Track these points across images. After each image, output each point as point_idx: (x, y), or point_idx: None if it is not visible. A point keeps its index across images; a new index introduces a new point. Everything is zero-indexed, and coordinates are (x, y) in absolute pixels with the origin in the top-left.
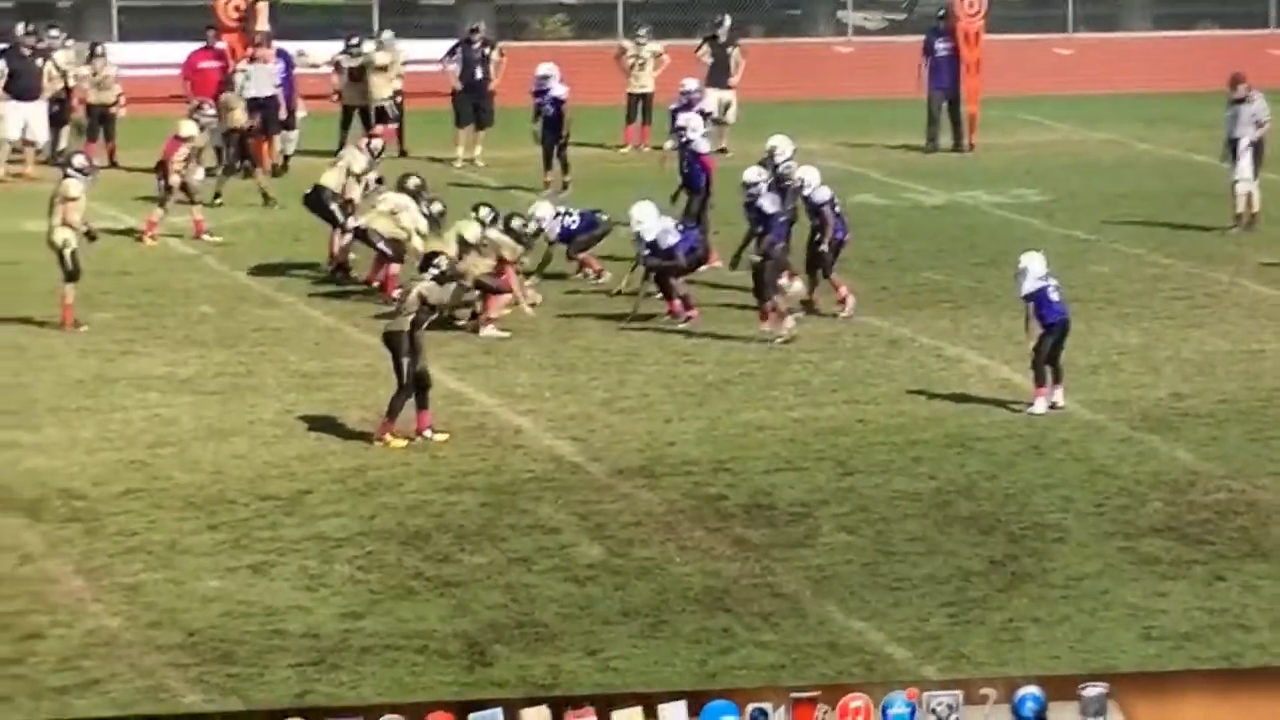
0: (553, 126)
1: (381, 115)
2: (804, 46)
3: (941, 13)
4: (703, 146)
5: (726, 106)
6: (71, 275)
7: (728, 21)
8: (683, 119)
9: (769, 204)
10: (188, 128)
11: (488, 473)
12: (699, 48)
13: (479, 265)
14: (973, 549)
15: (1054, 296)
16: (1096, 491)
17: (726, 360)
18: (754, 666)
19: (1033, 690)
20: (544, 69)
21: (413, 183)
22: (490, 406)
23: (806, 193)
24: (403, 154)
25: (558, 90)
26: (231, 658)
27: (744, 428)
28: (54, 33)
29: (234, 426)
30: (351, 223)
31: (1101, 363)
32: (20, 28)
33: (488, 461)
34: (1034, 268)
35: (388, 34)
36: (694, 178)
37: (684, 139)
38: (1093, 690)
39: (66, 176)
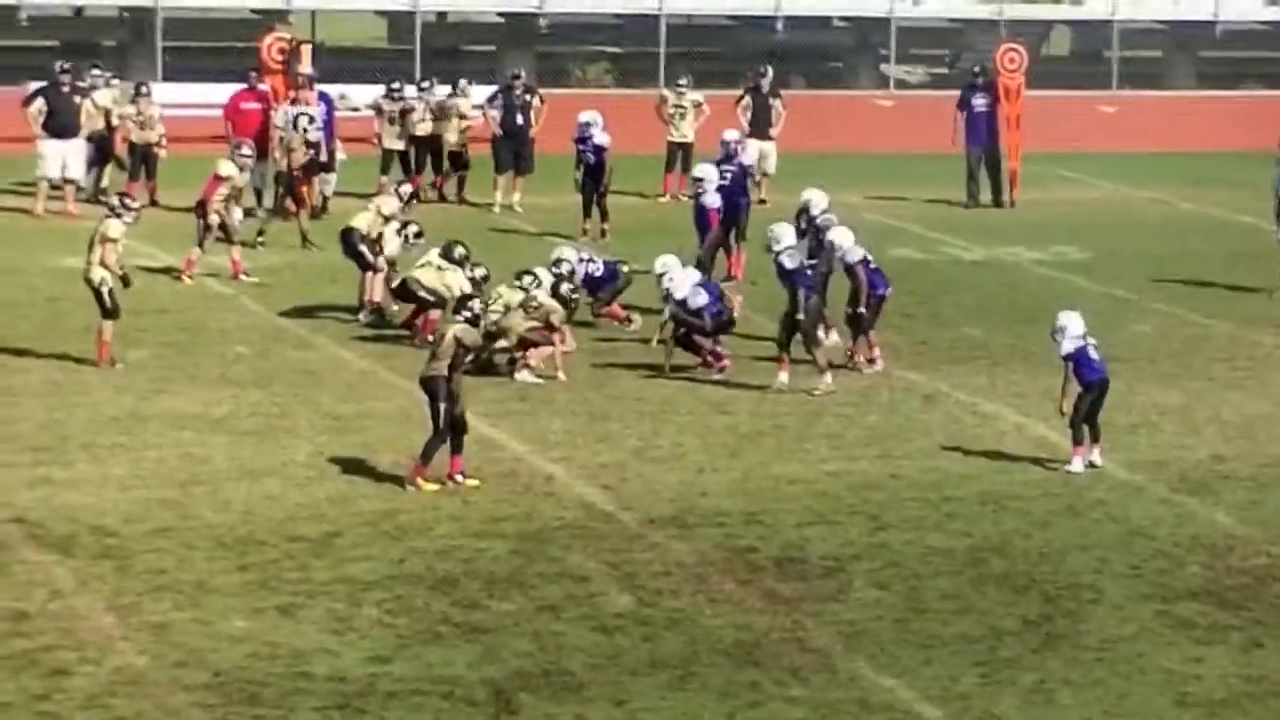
0: (593, 174)
1: (455, 159)
2: (845, 99)
3: (978, 69)
4: (712, 201)
5: (766, 158)
6: (110, 313)
7: (770, 72)
8: (698, 170)
9: (788, 260)
10: (227, 168)
11: (518, 519)
12: (740, 98)
13: (523, 324)
14: (1006, 608)
15: (1093, 355)
16: (1133, 553)
17: (760, 411)
18: None
19: None
20: (586, 116)
21: (459, 252)
22: (522, 453)
23: (840, 254)
24: (442, 199)
25: (600, 138)
26: (257, 699)
27: (776, 480)
28: (96, 71)
29: (266, 467)
30: (382, 261)
31: (1141, 423)
32: (58, 65)
33: (519, 508)
34: (1072, 326)
35: (463, 82)
36: (703, 228)
37: (698, 190)
38: None
39: (109, 216)
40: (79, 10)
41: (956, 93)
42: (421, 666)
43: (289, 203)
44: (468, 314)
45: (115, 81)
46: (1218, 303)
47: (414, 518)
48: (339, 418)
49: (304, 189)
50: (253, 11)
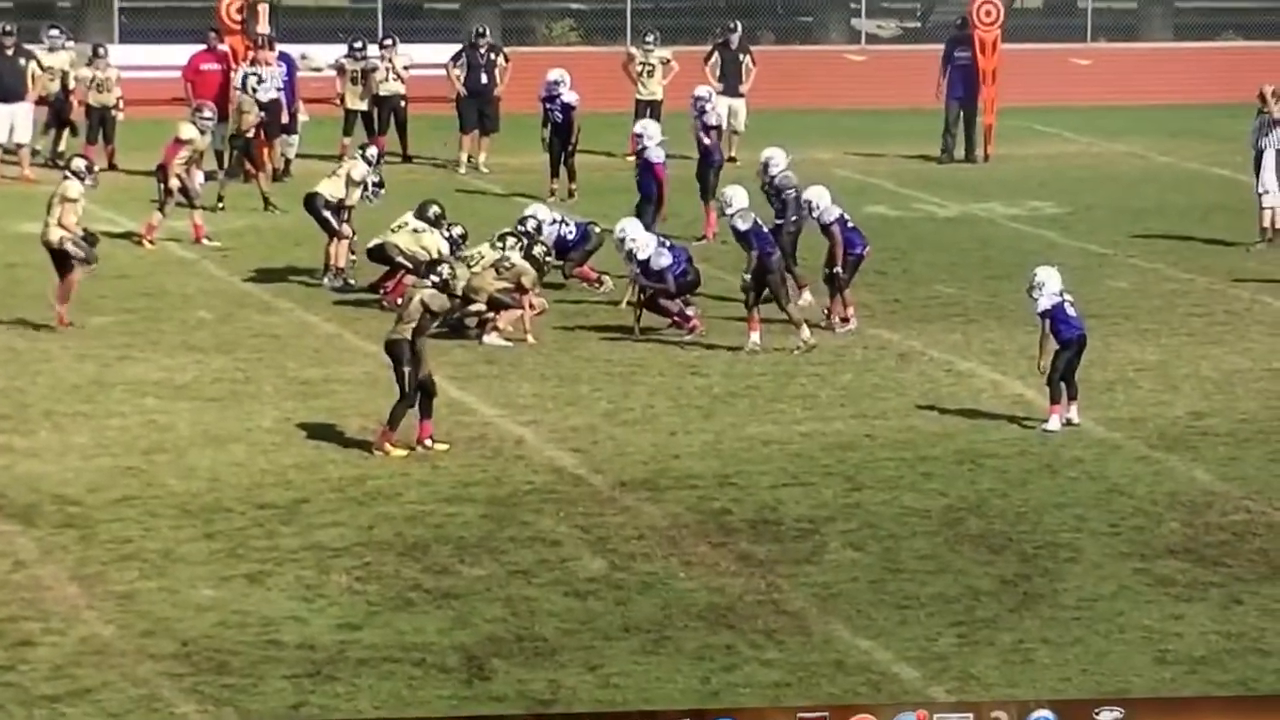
0: (561, 133)
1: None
2: (816, 54)
3: (961, 21)
4: (656, 156)
5: (735, 115)
6: (69, 269)
7: (739, 28)
8: (639, 126)
9: (740, 222)
10: (188, 131)
11: (488, 484)
12: (709, 55)
13: (494, 284)
14: (983, 568)
15: (1070, 312)
16: (1111, 511)
17: (733, 373)
18: (758, 684)
19: (1045, 713)
20: (554, 74)
21: (433, 211)
22: (492, 417)
23: (815, 214)
24: (407, 159)
25: (568, 96)
26: (226, 668)
27: (750, 442)
28: (54, 33)
29: (231, 434)
30: (347, 228)
31: (1118, 379)
32: (0, 28)
33: (488, 473)
34: (1050, 283)
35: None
36: (645, 185)
37: (639, 145)
38: (1107, 714)
39: (67, 178)
40: None
41: (930, 47)
42: (392, 633)
43: (248, 165)
44: (436, 279)
45: (70, 43)
46: (1195, 257)
47: (383, 483)
48: (305, 383)
49: (264, 151)
50: None
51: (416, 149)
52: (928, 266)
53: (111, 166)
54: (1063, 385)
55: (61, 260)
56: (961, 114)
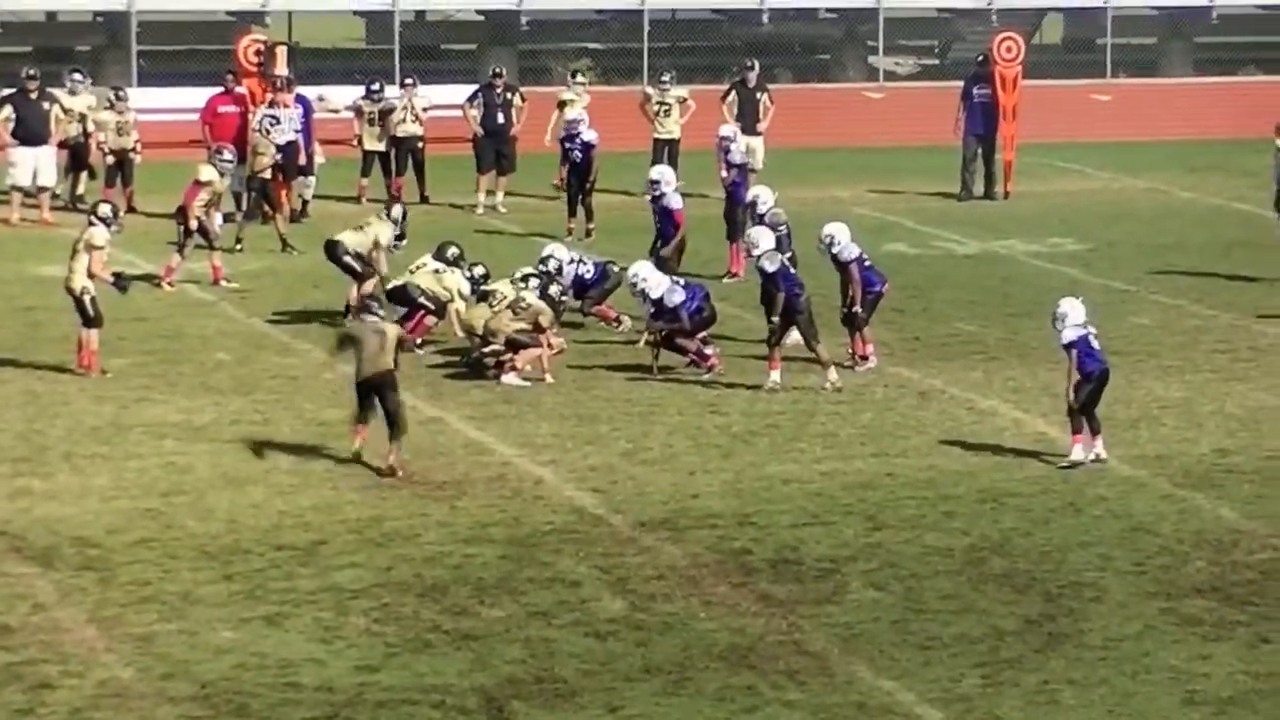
0: (579, 171)
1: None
2: (834, 92)
3: (981, 58)
4: (674, 202)
5: (753, 153)
6: (92, 321)
7: (756, 66)
8: (655, 173)
9: (768, 264)
10: (207, 173)
11: (507, 524)
12: (726, 93)
13: (511, 324)
14: (1007, 608)
15: (1095, 345)
16: (1136, 550)
17: (752, 411)
18: None
19: None
20: (572, 114)
21: (452, 252)
22: (510, 457)
23: (835, 251)
24: (424, 200)
25: (587, 135)
26: (245, 711)
27: (770, 481)
28: (77, 76)
29: (250, 475)
30: (371, 271)
31: (1142, 417)
32: (25, 72)
33: (507, 513)
34: (1074, 314)
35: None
36: (665, 230)
37: (657, 192)
38: None
39: (92, 224)
40: (52, 15)
41: (948, 84)
42: (411, 675)
43: (265, 207)
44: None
45: (85, 86)
46: (1218, 293)
47: (400, 524)
48: (322, 424)
49: (281, 192)
50: (228, 14)
51: (434, 190)
52: (948, 304)
53: (130, 209)
54: (1083, 418)
55: (84, 308)
56: (980, 151)
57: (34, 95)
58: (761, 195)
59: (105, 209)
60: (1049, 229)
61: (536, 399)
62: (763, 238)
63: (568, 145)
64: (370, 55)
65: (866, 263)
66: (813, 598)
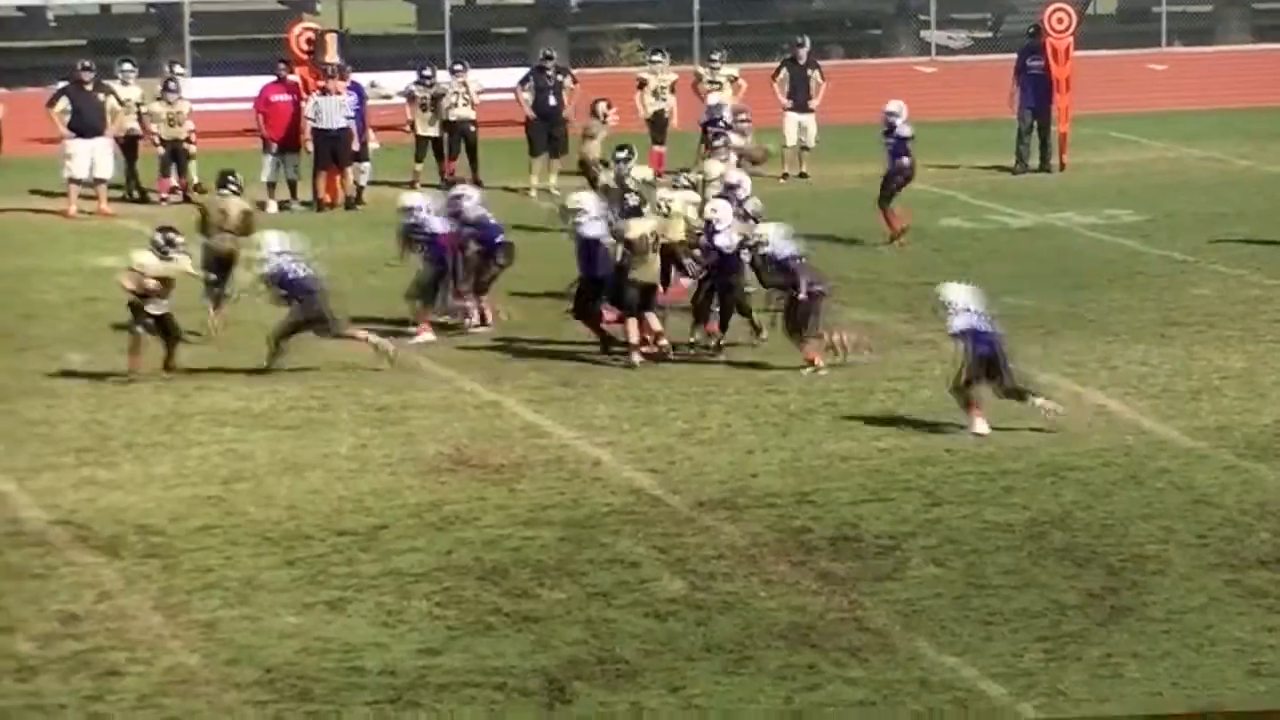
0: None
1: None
2: (886, 67)
3: (1033, 29)
4: (591, 231)
5: (805, 130)
6: (170, 337)
7: (807, 43)
8: (575, 200)
9: (779, 251)
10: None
11: (566, 506)
12: (777, 71)
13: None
14: (1068, 581)
15: (985, 327)
16: (1199, 522)
17: (809, 389)
18: (842, 703)
19: None
20: (715, 98)
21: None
22: (568, 439)
23: (766, 250)
24: (478, 184)
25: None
26: (309, 695)
27: (828, 458)
28: (127, 67)
29: (309, 461)
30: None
31: (1203, 388)
32: (80, 64)
33: (566, 495)
34: (959, 300)
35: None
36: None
37: (576, 221)
38: None
39: (158, 252)
40: (106, 8)
41: (1001, 57)
42: (473, 658)
43: (321, 194)
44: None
45: (134, 76)
46: (1279, 262)
47: (460, 508)
48: (381, 409)
49: (334, 180)
50: (280, 2)
51: (486, 173)
52: (1004, 278)
53: (187, 199)
54: (981, 390)
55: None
56: (1035, 123)
57: (89, 87)
58: (744, 183)
59: (159, 237)
60: (1105, 200)
61: (593, 380)
62: (771, 230)
63: (712, 130)
64: (421, 41)
65: (801, 261)
66: (873, 574)
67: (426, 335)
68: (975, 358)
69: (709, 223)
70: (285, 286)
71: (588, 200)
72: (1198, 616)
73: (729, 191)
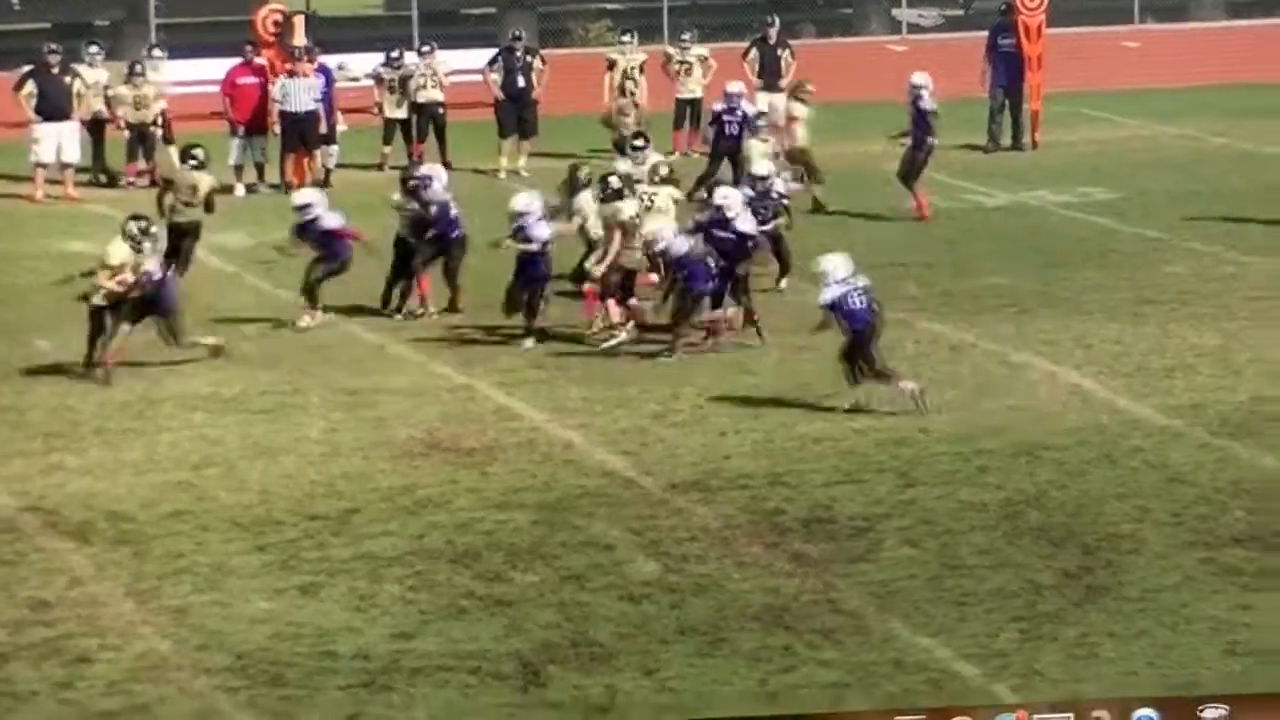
0: (731, 144)
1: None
2: (857, 46)
3: (1005, 7)
4: (539, 233)
5: (776, 109)
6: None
7: (777, 22)
8: (519, 203)
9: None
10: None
11: (538, 489)
12: (747, 51)
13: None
14: (1044, 561)
15: (857, 303)
16: (1174, 500)
17: (782, 371)
18: (816, 685)
19: (1149, 712)
20: (734, 87)
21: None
22: (540, 422)
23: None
24: (446, 166)
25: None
26: (282, 680)
27: (801, 440)
28: (94, 50)
29: (280, 446)
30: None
31: (1177, 366)
32: (46, 47)
33: (538, 478)
34: (835, 271)
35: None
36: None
37: (518, 225)
38: (1212, 712)
39: (130, 244)
40: None
41: (973, 35)
42: (446, 642)
43: (289, 176)
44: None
45: (100, 59)
46: (1253, 239)
47: (432, 492)
48: (352, 393)
49: (303, 162)
50: None
51: (455, 155)
52: (977, 257)
53: (153, 183)
54: (861, 365)
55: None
56: (1007, 101)
57: (55, 70)
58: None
59: (133, 226)
60: (1079, 178)
61: (565, 364)
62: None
63: (726, 117)
64: (388, 22)
65: (694, 259)
66: (847, 556)
67: (307, 320)
68: (848, 331)
69: (719, 209)
70: (320, 239)
71: (531, 201)
72: (1173, 595)
73: (760, 183)
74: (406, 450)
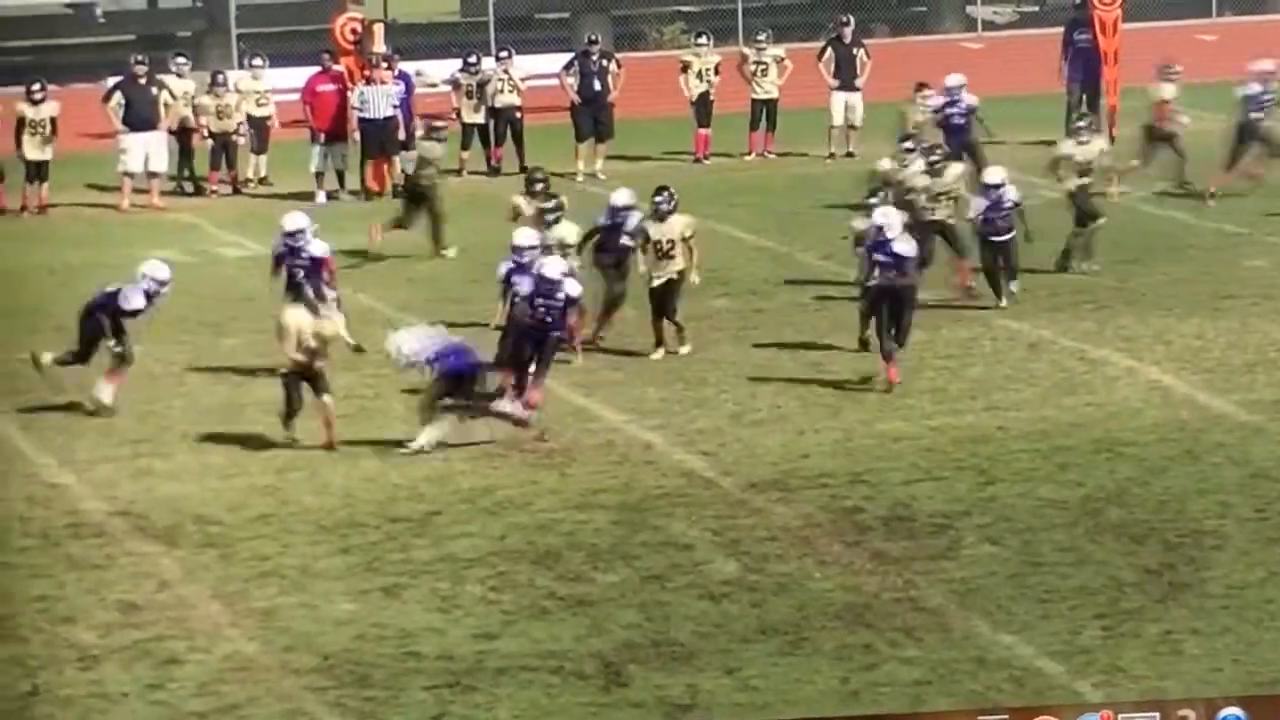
0: (962, 135)
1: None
2: (932, 44)
3: (1079, 2)
4: (550, 271)
5: (853, 110)
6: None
7: (852, 22)
8: (521, 238)
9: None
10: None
11: (618, 490)
12: (822, 51)
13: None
14: (1125, 558)
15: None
16: (1257, 496)
17: (860, 369)
18: (898, 683)
19: (1235, 711)
20: (955, 80)
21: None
22: (618, 423)
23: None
24: (524, 170)
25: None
26: (367, 681)
27: (880, 438)
28: (181, 60)
29: (362, 449)
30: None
31: (1259, 361)
32: (133, 58)
33: (618, 479)
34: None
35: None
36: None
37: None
38: None
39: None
40: (153, 3)
41: (1048, 31)
42: (529, 642)
43: (370, 183)
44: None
45: (188, 69)
46: None
47: (512, 493)
48: None
49: (382, 169)
50: None
51: (533, 159)
52: (1055, 254)
53: (235, 191)
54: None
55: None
56: (1084, 96)
57: (143, 81)
58: (615, 199)
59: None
60: (1156, 173)
61: (642, 365)
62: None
63: (949, 110)
64: (465, 28)
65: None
66: (927, 554)
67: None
68: (442, 373)
69: (879, 229)
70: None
71: (529, 235)
72: (1257, 591)
73: (990, 191)
74: (486, 452)
